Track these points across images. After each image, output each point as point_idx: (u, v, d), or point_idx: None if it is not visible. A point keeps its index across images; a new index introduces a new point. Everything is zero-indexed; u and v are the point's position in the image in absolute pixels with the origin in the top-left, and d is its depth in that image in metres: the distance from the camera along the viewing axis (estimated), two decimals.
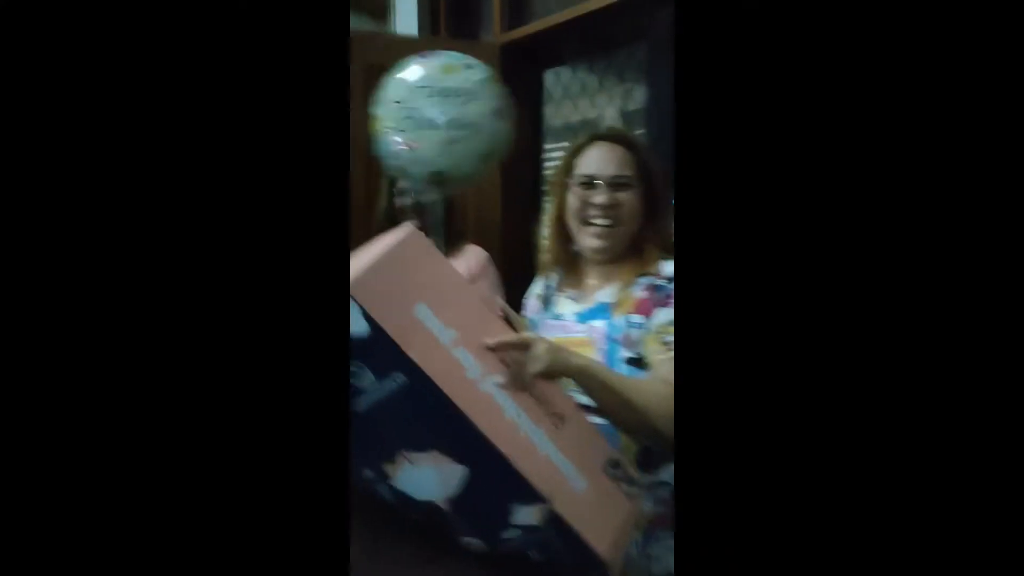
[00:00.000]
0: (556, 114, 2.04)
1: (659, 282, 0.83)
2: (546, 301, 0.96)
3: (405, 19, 2.08)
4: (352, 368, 0.54)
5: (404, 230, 0.64)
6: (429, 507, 0.60)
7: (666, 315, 0.80)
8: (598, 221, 0.85)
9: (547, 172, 2.08)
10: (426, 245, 0.62)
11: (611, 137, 0.87)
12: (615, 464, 0.68)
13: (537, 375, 0.65)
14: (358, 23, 2.12)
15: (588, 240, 0.86)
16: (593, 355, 0.81)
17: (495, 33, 1.92)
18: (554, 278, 0.97)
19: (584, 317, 0.87)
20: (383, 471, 0.59)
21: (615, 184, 0.84)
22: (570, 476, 0.63)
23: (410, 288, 0.59)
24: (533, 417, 0.63)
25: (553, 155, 2.06)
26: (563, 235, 0.90)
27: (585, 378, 0.72)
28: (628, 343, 0.81)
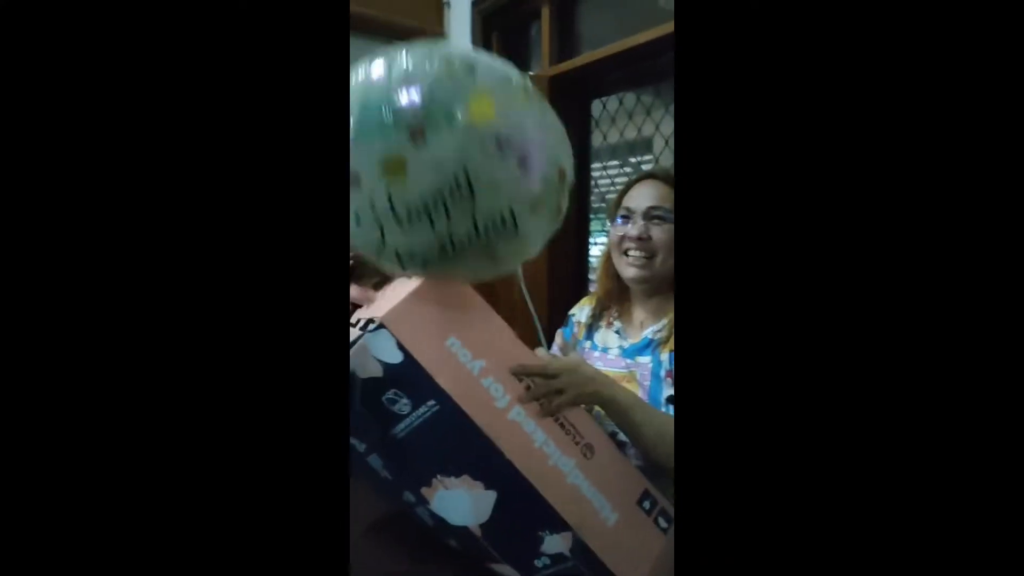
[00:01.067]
0: (603, 138, 2.11)
1: None
2: (590, 330, 0.96)
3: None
4: (390, 395, 0.57)
5: None
6: (463, 532, 0.61)
7: None
8: (633, 252, 0.86)
9: (594, 194, 2.14)
10: (421, 304, 0.61)
11: (659, 176, 0.88)
12: (649, 498, 0.67)
13: (565, 404, 0.65)
14: None
15: (626, 270, 0.87)
16: (636, 391, 0.80)
17: (544, 66, 2.01)
18: (600, 310, 0.97)
19: (629, 353, 0.87)
20: (421, 495, 0.61)
21: (649, 216, 0.85)
22: (601, 507, 0.62)
23: (441, 321, 0.60)
24: (562, 447, 0.62)
25: (600, 178, 2.13)
26: (612, 268, 0.91)
27: (616, 409, 0.71)
28: (673, 380, 0.80)
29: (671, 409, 0.78)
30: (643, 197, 0.88)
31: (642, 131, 2.01)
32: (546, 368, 0.67)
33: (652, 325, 0.88)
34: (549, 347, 0.87)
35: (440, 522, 0.62)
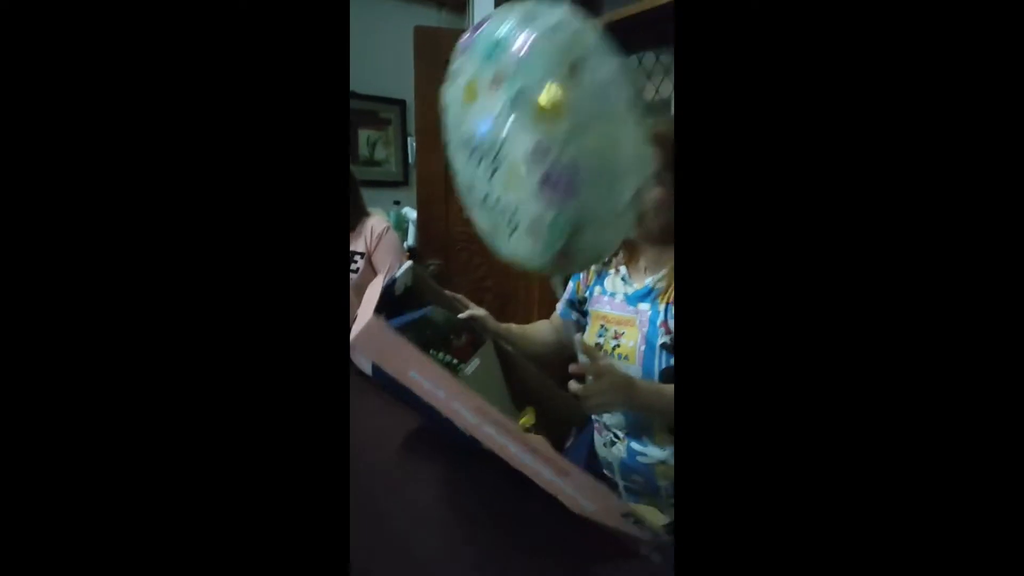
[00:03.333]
0: None
1: None
2: (600, 276, 1.04)
3: (483, 14, 2.24)
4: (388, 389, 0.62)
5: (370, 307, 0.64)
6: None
7: None
8: None
9: None
10: (385, 330, 0.60)
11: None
12: (629, 516, 0.69)
13: (597, 406, 0.74)
14: (438, 20, 2.30)
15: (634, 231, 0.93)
16: (636, 335, 0.91)
17: None
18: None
19: (632, 299, 0.95)
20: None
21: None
22: (589, 510, 0.63)
23: (398, 359, 0.60)
24: (541, 460, 0.62)
25: None
26: None
27: (640, 405, 0.80)
28: (667, 330, 0.88)
29: (664, 354, 0.88)
30: None
31: (660, 91, 2.04)
32: (595, 369, 0.74)
33: (653, 274, 0.94)
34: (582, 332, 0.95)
35: None
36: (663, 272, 0.92)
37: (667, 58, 2.02)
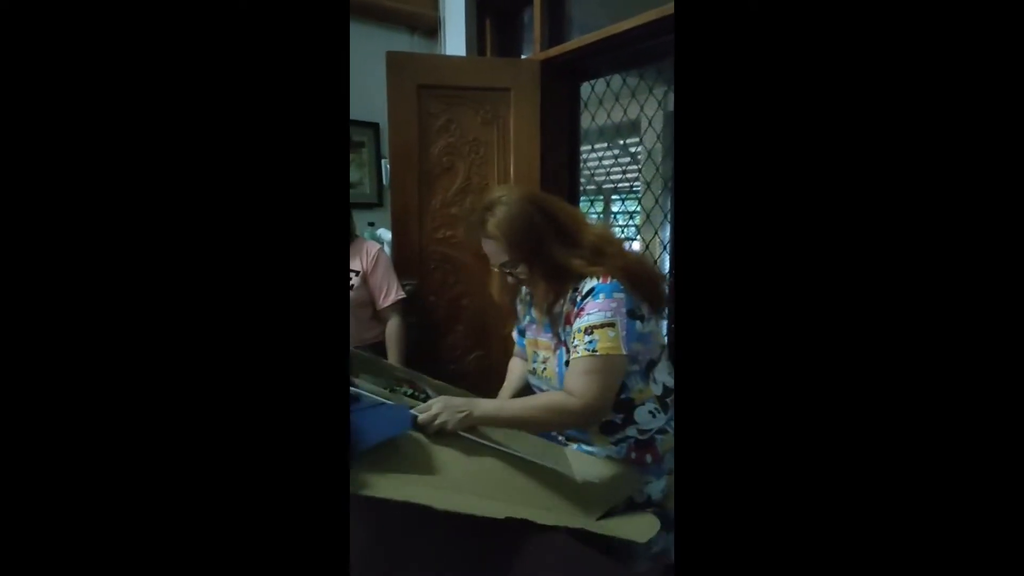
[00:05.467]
0: (591, 119, 2.20)
1: (576, 297, 1.03)
2: (527, 306, 1.18)
3: (453, 40, 2.28)
4: None
5: None
6: None
7: (576, 324, 1.00)
8: (513, 279, 1.09)
9: (584, 176, 2.22)
10: None
11: (485, 234, 1.05)
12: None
13: (445, 425, 0.87)
14: (410, 44, 2.33)
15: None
16: (553, 359, 1.07)
17: (535, 51, 2.10)
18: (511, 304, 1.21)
19: (547, 327, 1.09)
20: None
21: (505, 269, 1.06)
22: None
23: None
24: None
25: (590, 159, 2.20)
26: (501, 282, 1.12)
27: (489, 421, 0.93)
28: (566, 348, 1.02)
29: (563, 369, 1.03)
30: (492, 256, 1.08)
31: (628, 112, 2.10)
32: (421, 407, 0.90)
33: (555, 306, 1.06)
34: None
35: None
36: (560, 302, 1.05)
37: (633, 80, 2.08)
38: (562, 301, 1.05)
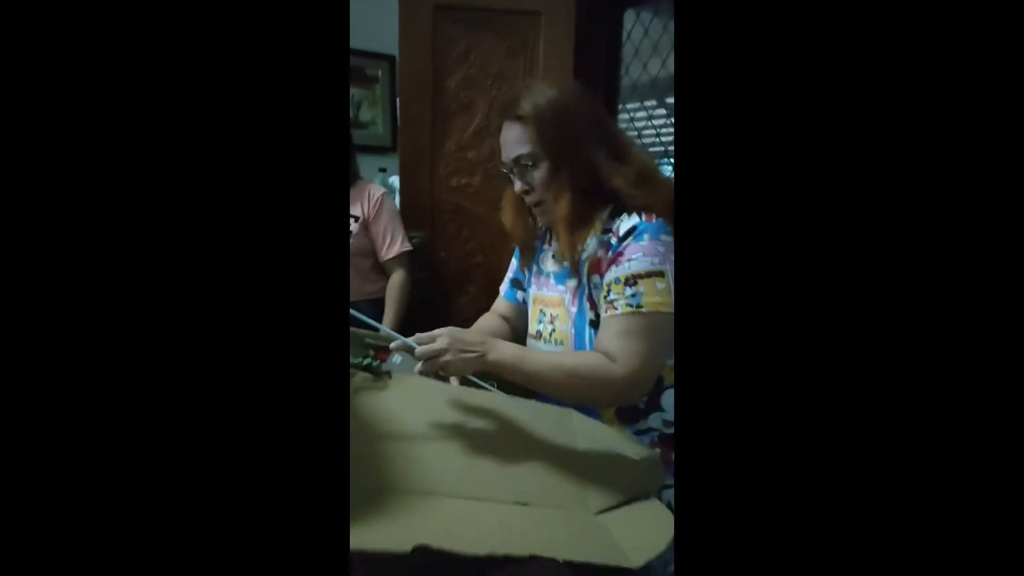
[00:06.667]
0: (635, 54, 1.92)
1: (611, 239, 0.79)
2: (537, 255, 0.96)
3: None
4: None
5: None
6: None
7: (613, 273, 0.77)
8: (528, 201, 0.86)
9: (624, 124, 1.97)
10: None
11: (521, 115, 0.82)
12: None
13: (449, 365, 0.70)
14: None
15: (538, 219, 0.89)
16: (566, 317, 0.85)
17: None
18: (525, 248, 0.97)
19: (561, 277, 0.88)
20: None
21: (520, 165, 0.83)
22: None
23: None
24: None
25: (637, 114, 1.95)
26: (520, 210, 0.91)
27: (504, 369, 0.74)
28: (592, 304, 0.81)
29: (591, 332, 0.81)
30: (507, 147, 0.84)
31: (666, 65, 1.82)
32: (423, 336, 0.71)
33: (583, 238, 0.85)
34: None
35: None
36: (590, 244, 0.84)
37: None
38: (589, 237, 0.82)
